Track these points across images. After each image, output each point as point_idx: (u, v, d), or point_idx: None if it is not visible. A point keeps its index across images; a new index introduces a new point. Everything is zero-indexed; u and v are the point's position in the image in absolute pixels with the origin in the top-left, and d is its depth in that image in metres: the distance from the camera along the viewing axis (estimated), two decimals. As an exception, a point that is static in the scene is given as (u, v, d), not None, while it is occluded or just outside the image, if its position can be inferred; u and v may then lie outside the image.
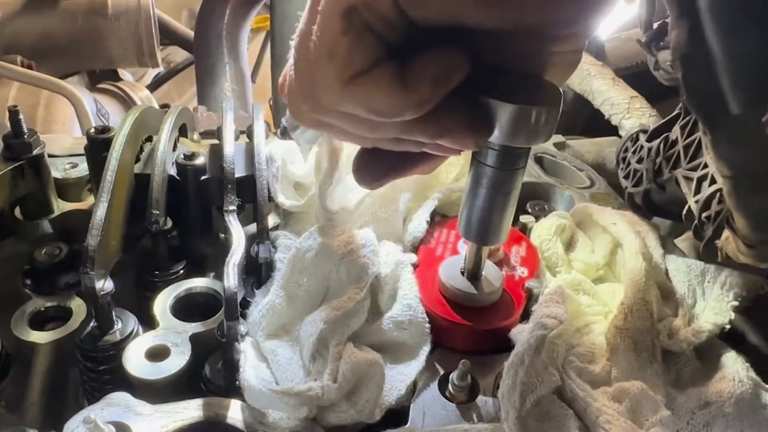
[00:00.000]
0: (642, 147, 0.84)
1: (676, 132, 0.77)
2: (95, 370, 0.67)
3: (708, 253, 0.65)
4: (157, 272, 0.77)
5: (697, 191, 0.68)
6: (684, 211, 0.70)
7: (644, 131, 0.86)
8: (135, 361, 0.65)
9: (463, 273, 0.71)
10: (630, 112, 1.08)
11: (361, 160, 0.57)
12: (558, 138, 1.13)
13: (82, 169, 0.88)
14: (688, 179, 0.70)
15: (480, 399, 0.65)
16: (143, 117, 0.82)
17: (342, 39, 0.40)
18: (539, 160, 1.02)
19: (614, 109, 1.11)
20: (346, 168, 0.78)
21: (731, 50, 0.36)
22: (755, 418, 0.64)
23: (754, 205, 0.54)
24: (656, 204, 0.82)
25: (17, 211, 0.84)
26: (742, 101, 0.37)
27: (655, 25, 0.81)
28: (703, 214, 0.67)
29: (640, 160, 0.84)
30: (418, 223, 0.80)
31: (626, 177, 0.87)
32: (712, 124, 0.50)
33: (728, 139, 0.51)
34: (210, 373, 0.67)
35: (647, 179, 0.81)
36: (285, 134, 0.92)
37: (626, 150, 0.89)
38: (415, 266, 0.75)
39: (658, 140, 0.80)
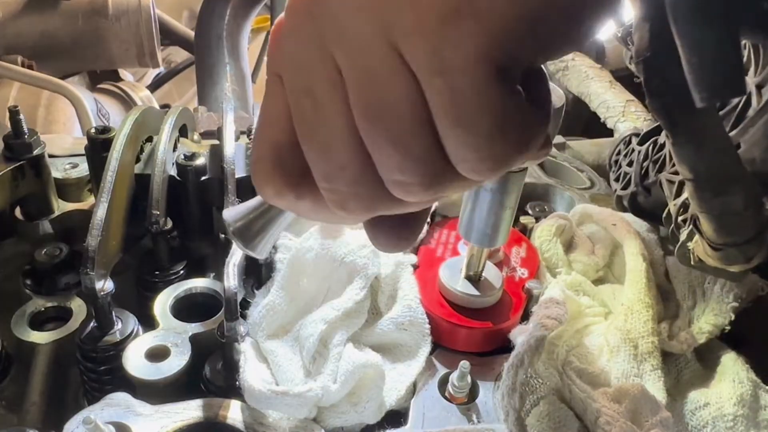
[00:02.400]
0: (633, 150, 0.84)
1: (664, 136, 0.78)
2: (95, 371, 0.67)
3: (682, 256, 0.66)
4: (157, 272, 0.77)
5: (678, 194, 0.68)
6: (664, 214, 0.70)
7: (636, 135, 0.86)
8: (135, 362, 0.65)
9: (463, 274, 0.71)
10: (625, 115, 1.08)
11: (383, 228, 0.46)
12: (558, 139, 1.13)
13: (83, 169, 0.88)
14: (671, 182, 0.70)
15: (480, 400, 0.65)
16: (144, 117, 0.82)
17: (505, 98, 0.32)
18: (539, 161, 1.02)
19: (610, 112, 1.11)
20: None
21: (691, 45, 0.36)
22: (755, 419, 0.64)
23: (716, 208, 0.54)
24: (641, 207, 0.82)
25: (18, 212, 0.84)
26: (703, 95, 0.37)
27: (629, 20, 0.81)
28: (680, 218, 0.67)
29: (630, 164, 0.84)
30: (419, 224, 0.79)
31: (616, 180, 0.88)
32: (673, 127, 0.50)
33: (689, 143, 0.51)
34: (210, 373, 0.67)
35: (634, 182, 0.81)
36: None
37: (618, 153, 0.90)
38: (415, 267, 0.75)
39: (647, 144, 0.81)
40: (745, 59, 0.62)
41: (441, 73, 0.32)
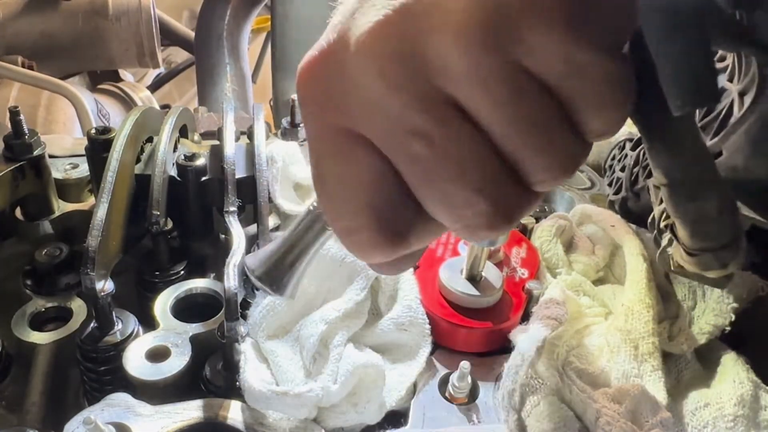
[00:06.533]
0: (626, 155, 0.85)
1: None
2: (95, 371, 0.67)
3: (663, 261, 0.66)
4: (157, 273, 0.77)
5: (663, 200, 0.69)
6: (649, 219, 0.71)
7: (630, 140, 0.87)
8: (135, 362, 0.65)
9: (463, 274, 0.71)
10: (621, 120, 1.08)
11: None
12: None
13: (83, 169, 0.88)
14: (657, 188, 0.70)
15: (480, 400, 0.65)
16: (144, 118, 0.82)
17: (618, 66, 0.35)
18: (540, 161, 1.02)
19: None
20: None
21: (663, 55, 0.37)
22: (755, 420, 0.64)
23: (690, 213, 0.54)
24: (631, 211, 0.83)
25: (18, 212, 0.84)
26: (677, 104, 0.38)
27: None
28: (662, 223, 0.67)
29: (623, 169, 0.85)
30: (419, 224, 0.80)
31: (610, 184, 0.88)
32: (649, 132, 0.51)
33: (664, 148, 0.52)
34: (210, 373, 0.67)
35: (625, 187, 0.82)
36: (286, 135, 0.93)
37: (613, 158, 0.90)
38: (415, 267, 0.75)
39: (639, 149, 0.81)
40: (729, 67, 0.63)
41: (569, 68, 0.34)
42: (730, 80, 0.62)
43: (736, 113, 0.59)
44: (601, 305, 0.75)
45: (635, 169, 0.80)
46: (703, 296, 0.72)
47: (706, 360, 0.72)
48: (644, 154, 0.80)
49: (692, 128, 0.52)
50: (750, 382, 0.66)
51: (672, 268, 0.64)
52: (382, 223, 0.37)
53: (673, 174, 0.52)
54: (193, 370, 0.66)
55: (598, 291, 0.77)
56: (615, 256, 0.80)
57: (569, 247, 0.81)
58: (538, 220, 0.86)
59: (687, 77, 0.37)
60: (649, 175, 0.76)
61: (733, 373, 0.67)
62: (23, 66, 1.66)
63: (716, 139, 0.61)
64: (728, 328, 0.69)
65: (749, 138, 0.58)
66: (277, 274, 0.46)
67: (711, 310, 0.70)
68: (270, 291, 0.46)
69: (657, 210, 0.69)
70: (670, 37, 0.37)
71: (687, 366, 0.71)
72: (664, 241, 0.65)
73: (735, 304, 0.69)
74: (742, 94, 0.59)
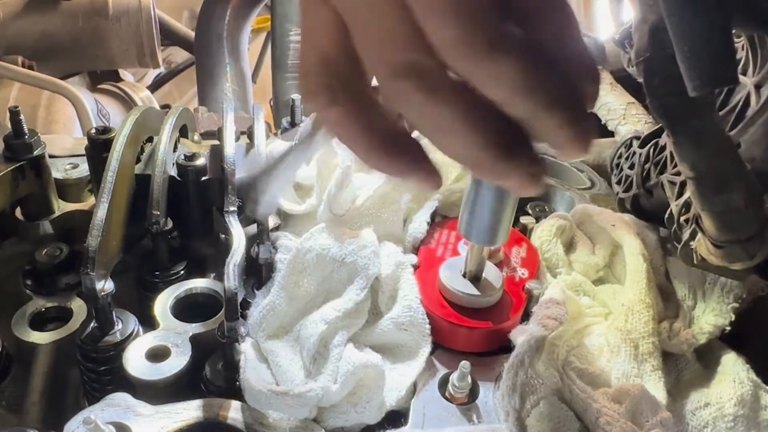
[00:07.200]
0: (634, 153, 0.85)
1: (665, 138, 0.78)
2: (95, 371, 0.67)
3: (685, 255, 0.66)
4: (157, 273, 0.77)
5: (680, 195, 0.69)
6: (666, 215, 0.71)
7: (637, 138, 0.87)
8: (135, 362, 0.65)
9: (463, 274, 0.71)
10: (626, 118, 1.08)
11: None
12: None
13: (83, 169, 0.88)
14: (672, 183, 0.71)
15: (480, 400, 0.65)
16: (144, 118, 0.82)
17: None
18: (540, 161, 1.02)
19: (611, 114, 1.11)
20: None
21: (683, 34, 0.37)
22: (755, 420, 0.64)
23: (717, 205, 0.55)
24: (644, 209, 0.83)
25: (18, 212, 0.84)
26: (695, 83, 0.37)
27: (627, 23, 0.82)
28: (682, 217, 0.67)
29: (631, 166, 0.84)
30: (419, 224, 0.80)
31: (618, 183, 0.88)
32: (674, 126, 0.51)
33: (689, 141, 0.52)
34: (210, 373, 0.67)
35: (636, 184, 0.82)
36: (285, 135, 0.93)
37: (620, 156, 0.90)
38: (415, 267, 0.75)
39: (648, 146, 0.81)
40: (743, 60, 0.63)
41: None
42: (744, 73, 0.62)
43: (753, 105, 0.59)
44: (601, 305, 0.75)
45: (647, 166, 0.80)
46: (703, 296, 0.72)
47: (706, 360, 0.72)
48: (654, 150, 0.80)
49: (716, 121, 0.52)
50: (750, 382, 0.66)
51: (695, 262, 0.64)
52: (327, 68, 0.43)
53: (699, 167, 0.52)
54: (193, 370, 0.66)
55: (598, 291, 0.77)
56: (615, 256, 0.80)
57: (569, 247, 0.81)
58: (538, 219, 0.86)
59: (706, 56, 0.37)
60: (662, 171, 0.75)
61: (733, 373, 0.67)
62: (23, 66, 1.66)
63: (734, 131, 0.61)
64: (728, 328, 0.69)
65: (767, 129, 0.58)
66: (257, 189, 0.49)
67: (711, 310, 0.70)
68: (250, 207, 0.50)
69: (674, 205, 0.69)
70: (691, 15, 0.37)
71: (687, 366, 0.71)
72: (686, 235, 0.65)
73: (735, 304, 0.69)
74: (758, 87, 0.59)
